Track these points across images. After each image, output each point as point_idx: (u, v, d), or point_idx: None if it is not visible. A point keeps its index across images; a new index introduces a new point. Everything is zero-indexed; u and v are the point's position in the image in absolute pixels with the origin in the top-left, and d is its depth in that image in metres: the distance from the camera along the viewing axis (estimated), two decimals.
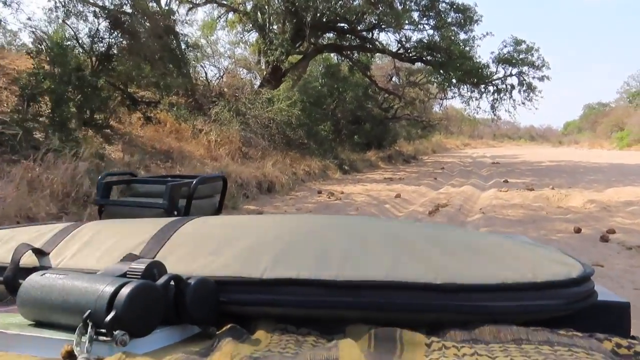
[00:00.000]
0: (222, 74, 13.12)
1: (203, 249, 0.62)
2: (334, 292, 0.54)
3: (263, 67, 14.31)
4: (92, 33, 7.09)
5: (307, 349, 0.49)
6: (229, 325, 0.54)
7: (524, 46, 14.28)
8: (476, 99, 14.87)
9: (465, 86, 14.65)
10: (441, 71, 14.31)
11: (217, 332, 0.53)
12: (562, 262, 0.58)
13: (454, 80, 14.23)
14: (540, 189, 9.10)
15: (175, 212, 0.99)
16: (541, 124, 72.64)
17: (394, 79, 20.02)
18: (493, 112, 15.05)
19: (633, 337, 0.52)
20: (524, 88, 14.58)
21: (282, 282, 0.55)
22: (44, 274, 0.54)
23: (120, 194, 1.22)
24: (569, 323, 0.54)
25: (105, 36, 7.18)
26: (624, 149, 30.91)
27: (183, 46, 9.96)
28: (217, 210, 1.19)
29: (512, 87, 14.67)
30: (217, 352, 0.46)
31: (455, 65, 13.62)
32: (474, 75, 14.12)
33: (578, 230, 5.11)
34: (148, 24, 7.58)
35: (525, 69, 14.48)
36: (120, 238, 0.67)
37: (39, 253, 0.67)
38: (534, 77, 14.58)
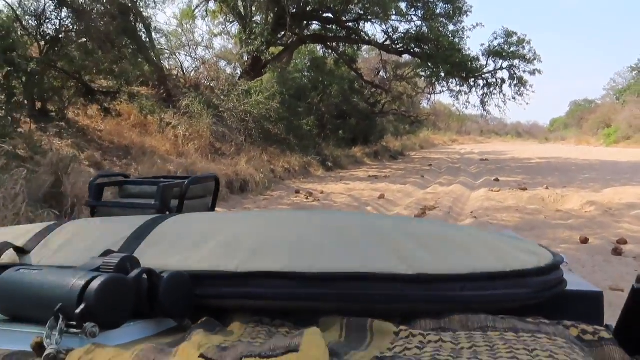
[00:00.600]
0: (199, 65, 12.28)
1: (181, 244, 0.62)
2: (307, 284, 0.54)
3: (245, 59, 13.50)
4: (37, 13, 6.22)
5: (275, 339, 0.47)
6: (204, 319, 0.54)
7: (515, 38, 13.60)
8: (465, 94, 14.20)
9: (454, 80, 13.96)
10: (429, 64, 13.60)
11: (192, 326, 0.53)
12: (532, 252, 0.59)
13: (442, 74, 13.52)
14: (534, 189, 8.46)
15: (168, 213, 0.96)
16: (528, 121, 72.87)
17: (381, 73, 19.29)
18: (483, 107, 14.38)
19: (606, 326, 0.52)
20: (515, 82, 13.92)
21: (256, 275, 0.55)
22: (19, 269, 0.54)
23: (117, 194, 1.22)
24: (541, 312, 0.54)
25: (53, 17, 6.33)
26: (611, 145, 30.68)
27: (146, 31, 9.08)
28: (210, 210, 1.18)
29: (503, 81, 14.00)
30: (185, 342, 0.45)
31: (443, 57, 12.92)
32: (463, 69, 13.44)
33: (585, 241, 4.43)
34: (100, 3, 6.73)
35: (516, 62, 13.81)
36: (101, 236, 0.68)
37: (20, 251, 0.68)
38: (524, 71, 13.93)
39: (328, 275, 0.54)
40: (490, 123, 65.98)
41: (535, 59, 13.58)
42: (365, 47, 21.25)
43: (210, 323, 0.53)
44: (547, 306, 0.56)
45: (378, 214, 0.98)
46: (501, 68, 13.89)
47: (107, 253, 0.60)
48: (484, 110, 14.39)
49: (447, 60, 12.94)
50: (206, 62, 12.20)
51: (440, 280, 0.54)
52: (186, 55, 11.75)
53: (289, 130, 11.27)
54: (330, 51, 17.03)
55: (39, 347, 0.43)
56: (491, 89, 14.04)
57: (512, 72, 13.82)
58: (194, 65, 12.57)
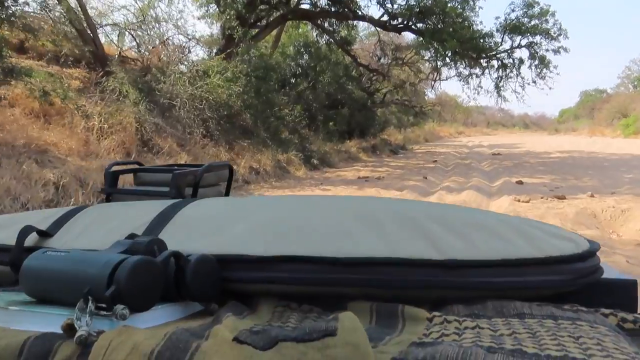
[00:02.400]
0: (157, 45, 10.02)
1: (205, 228, 0.61)
2: (335, 268, 0.53)
3: (222, 40, 11.23)
4: None
5: (307, 323, 0.48)
6: (231, 302, 0.53)
7: (536, 9, 11.18)
8: (477, 77, 11.80)
9: (463, 61, 11.58)
10: (433, 42, 11.24)
11: (219, 309, 0.52)
12: (567, 238, 0.57)
13: (448, 54, 11.15)
14: (574, 196, 6.19)
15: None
16: (535, 112, 70.23)
17: (381, 60, 16.92)
18: (497, 92, 11.96)
19: None
20: (536, 62, 11.48)
21: (283, 259, 0.54)
22: (46, 252, 0.53)
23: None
24: (573, 299, 0.52)
25: None
26: (630, 136, 28.16)
27: None
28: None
29: (521, 61, 11.59)
30: (217, 326, 0.44)
31: (450, 33, 10.57)
32: (474, 47, 11.07)
33: None
34: None
35: (537, 38, 11.39)
36: (124, 220, 0.67)
37: (44, 235, 0.67)
38: (547, 50, 11.50)
39: (356, 260, 0.52)
40: (497, 115, 64.04)
41: (560, 34, 11.17)
42: (363, 32, 18.92)
43: (238, 307, 0.52)
44: (578, 294, 0.54)
45: (405, 199, 0.81)
46: (519, 46, 11.46)
47: (131, 237, 0.58)
48: (499, 96, 11.98)
49: (455, 36, 10.57)
50: (166, 42, 9.93)
51: (472, 266, 0.52)
52: (143, 33, 9.40)
53: (260, 121, 8.97)
54: (322, 33, 14.74)
55: (70, 329, 0.42)
56: (507, 71, 11.62)
57: (533, 51, 11.39)
58: (152, 47, 10.33)
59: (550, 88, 11.68)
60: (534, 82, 11.73)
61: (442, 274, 0.52)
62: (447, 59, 11.51)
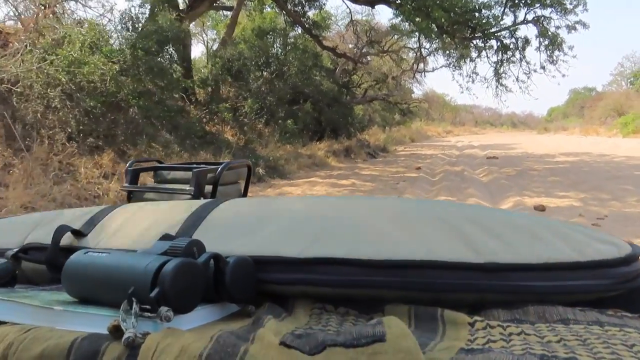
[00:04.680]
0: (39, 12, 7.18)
1: (238, 229, 0.60)
2: (372, 271, 0.51)
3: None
4: None
5: (348, 326, 0.47)
6: (267, 304, 0.53)
7: None
8: (471, 60, 9.06)
9: (453, 42, 8.84)
10: (415, 16, 8.49)
11: (256, 311, 0.52)
12: (608, 242, 0.55)
13: (434, 29, 8.42)
14: (632, 229, 3.55)
15: (202, 198, 0.92)
16: (522, 111, 68.31)
17: (359, 46, 14.15)
18: (497, 80, 9.22)
19: None
20: (546, 42, 8.76)
21: (320, 261, 0.53)
22: (87, 252, 0.53)
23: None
24: (614, 304, 0.51)
25: None
26: (629, 136, 25.79)
27: None
28: (243, 196, 1.15)
29: (526, 41, 8.87)
30: (261, 329, 0.43)
31: (436, 4, 7.85)
32: (467, 23, 8.36)
33: None
34: None
35: (547, 12, 8.67)
36: (156, 219, 0.66)
37: (78, 234, 0.67)
38: (558, 27, 8.81)
39: (394, 263, 0.51)
40: (485, 113, 62.21)
41: (578, 4, 8.45)
42: (342, 20, 16.23)
43: (275, 309, 0.52)
44: (620, 298, 0.52)
45: (440, 201, 0.65)
46: (525, 21, 8.72)
47: (166, 237, 0.56)
48: (499, 84, 9.23)
49: (442, 6, 7.85)
50: (49, 6, 7.08)
51: (513, 270, 0.50)
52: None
53: (155, 117, 6.07)
54: (288, 16, 12.05)
55: (116, 330, 0.42)
56: (509, 54, 8.88)
57: (542, 28, 8.64)
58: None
59: (563, 75, 9.06)
60: (543, 67, 9.01)
61: (482, 277, 0.50)
62: (434, 38, 8.76)
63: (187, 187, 0.98)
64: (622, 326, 0.44)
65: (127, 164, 1.13)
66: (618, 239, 0.56)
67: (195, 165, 1.08)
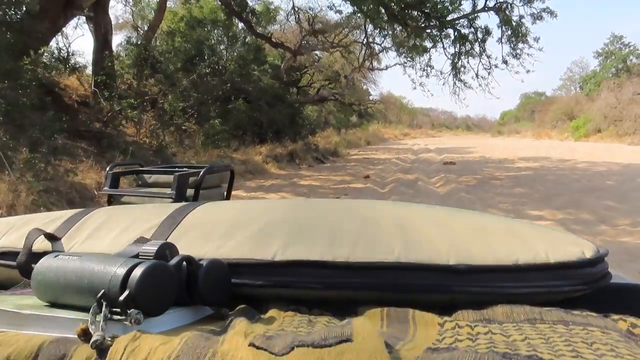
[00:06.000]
0: None
1: (214, 232, 0.59)
2: (346, 273, 0.52)
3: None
4: None
5: (319, 328, 0.47)
6: (241, 307, 0.53)
7: None
8: (426, 51, 7.74)
9: (405, 30, 7.51)
10: (361, 4, 7.09)
11: (230, 313, 0.52)
12: (575, 243, 0.55)
13: (384, 18, 7.06)
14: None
15: (183, 202, 0.93)
16: (476, 114, 69.33)
17: (304, 37, 12.66)
18: (455, 75, 7.93)
19: None
20: (508, 33, 7.56)
21: (294, 263, 0.53)
22: (58, 255, 0.52)
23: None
24: (582, 305, 0.52)
25: None
26: (581, 139, 25.78)
27: None
28: (225, 199, 1.16)
29: (487, 32, 7.65)
30: (231, 331, 0.44)
31: None
32: (421, 7, 7.05)
33: None
34: None
35: None
36: (131, 223, 0.65)
37: (51, 238, 0.65)
38: (522, 16, 7.66)
39: (367, 265, 0.52)
40: (441, 116, 62.73)
41: None
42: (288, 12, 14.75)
43: (249, 311, 0.52)
44: (586, 299, 0.53)
45: (412, 203, 0.67)
46: (485, 9, 7.49)
47: (140, 240, 0.57)
48: (457, 80, 7.95)
49: None
50: None
51: (482, 271, 0.52)
52: None
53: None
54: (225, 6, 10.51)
55: (85, 334, 0.42)
56: (468, 45, 7.63)
57: (504, 16, 7.43)
58: None
59: (527, 71, 7.90)
60: (505, 62, 7.81)
61: (453, 279, 0.51)
62: (384, 27, 7.40)
63: (168, 190, 0.96)
64: (586, 325, 0.45)
65: (108, 167, 1.10)
66: (584, 241, 0.56)
67: (177, 169, 1.08)
